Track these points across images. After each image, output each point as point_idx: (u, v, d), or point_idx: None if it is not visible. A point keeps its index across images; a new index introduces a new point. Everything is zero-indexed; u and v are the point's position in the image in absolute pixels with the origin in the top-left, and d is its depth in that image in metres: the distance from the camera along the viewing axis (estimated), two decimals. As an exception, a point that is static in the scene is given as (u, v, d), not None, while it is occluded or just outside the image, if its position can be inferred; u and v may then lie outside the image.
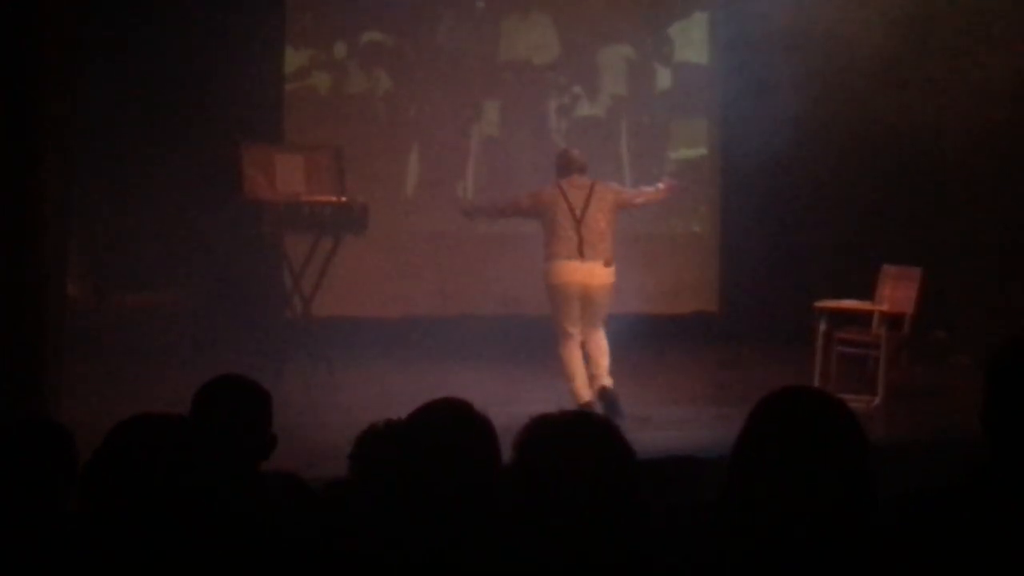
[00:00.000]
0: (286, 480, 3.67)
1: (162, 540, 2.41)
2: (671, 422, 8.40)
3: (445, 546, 2.73)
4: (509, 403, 7.44)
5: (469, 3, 11.71)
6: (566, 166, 8.68)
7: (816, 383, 8.85)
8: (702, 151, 12.27)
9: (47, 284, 6.65)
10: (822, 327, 9.32)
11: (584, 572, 2.50)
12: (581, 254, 8.48)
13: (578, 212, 8.51)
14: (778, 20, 10.75)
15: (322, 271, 10.09)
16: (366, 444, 3.66)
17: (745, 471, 2.53)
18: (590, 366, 8.54)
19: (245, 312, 10.18)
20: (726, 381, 9.61)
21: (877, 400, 9.01)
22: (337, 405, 8.48)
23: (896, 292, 9.43)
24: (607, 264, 8.52)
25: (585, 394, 8.42)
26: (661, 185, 9.12)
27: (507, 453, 2.73)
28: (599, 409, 7.95)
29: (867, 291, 9.49)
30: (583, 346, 8.57)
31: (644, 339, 10.07)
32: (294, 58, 11.31)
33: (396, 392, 8.34)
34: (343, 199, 9.94)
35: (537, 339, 9.03)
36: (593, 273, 8.51)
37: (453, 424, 2.99)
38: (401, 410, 3.18)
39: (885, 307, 9.33)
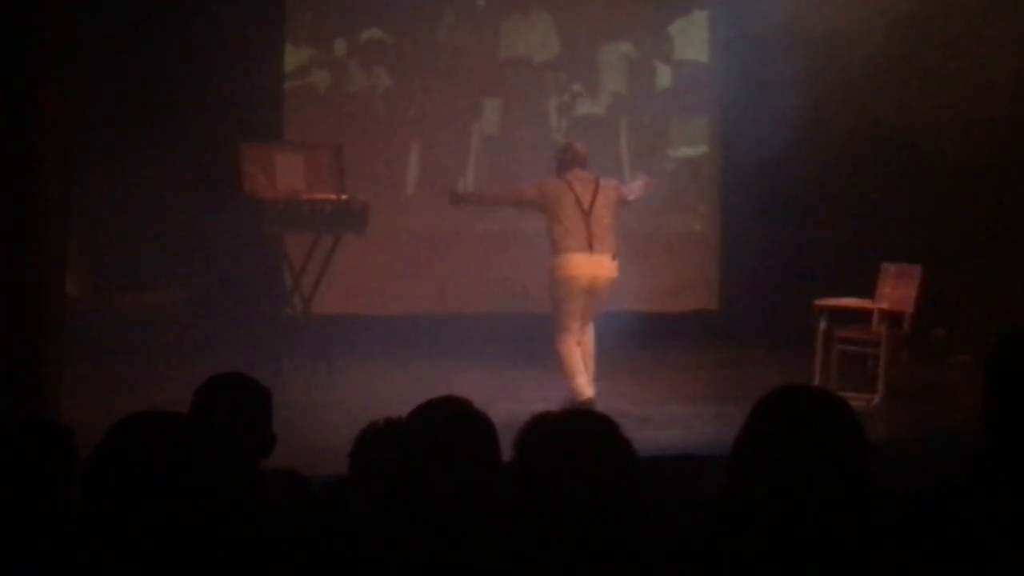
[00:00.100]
0: (286, 478, 3.68)
1: (162, 538, 2.41)
2: (671, 420, 8.40)
3: (445, 544, 2.73)
4: (509, 401, 7.49)
5: (469, 1, 11.70)
6: (571, 160, 8.67)
7: (816, 381, 8.86)
8: (702, 149, 12.26)
9: (47, 284, 6.65)
10: (822, 325, 9.32)
11: (584, 570, 2.50)
12: (591, 247, 8.48)
13: (586, 205, 8.51)
14: (779, 19, 10.74)
15: (322, 269, 10.10)
16: (366, 442, 3.67)
17: (745, 470, 2.53)
18: None
19: (245, 310, 10.18)
20: (726, 379, 9.62)
21: (877, 398, 9.02)
22: (337, 403, 8.49)
23: (896, 290, 9.43)
24: (613, 258, 8.55)
25: (586, 391, 8.42)
26: (639, 182, 9.12)
27: (507, 451, 2.74)
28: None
29: (867, 289, 9.48)
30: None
31: (644, 337, 10.08)
32: (294, 56, 11.30)
33: (396, 390, 8.36)
34: (343, 197, 9.94)
35: (537, 337, 9.03)
36: (603, 266, 8.52)
37: (453, 422, 2.99)
38: (401, 408, 3.19)
39: (885, 305, 9.32)
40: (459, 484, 2.86)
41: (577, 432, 2.62)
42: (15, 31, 6.46)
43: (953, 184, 11.17)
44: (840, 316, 9.41)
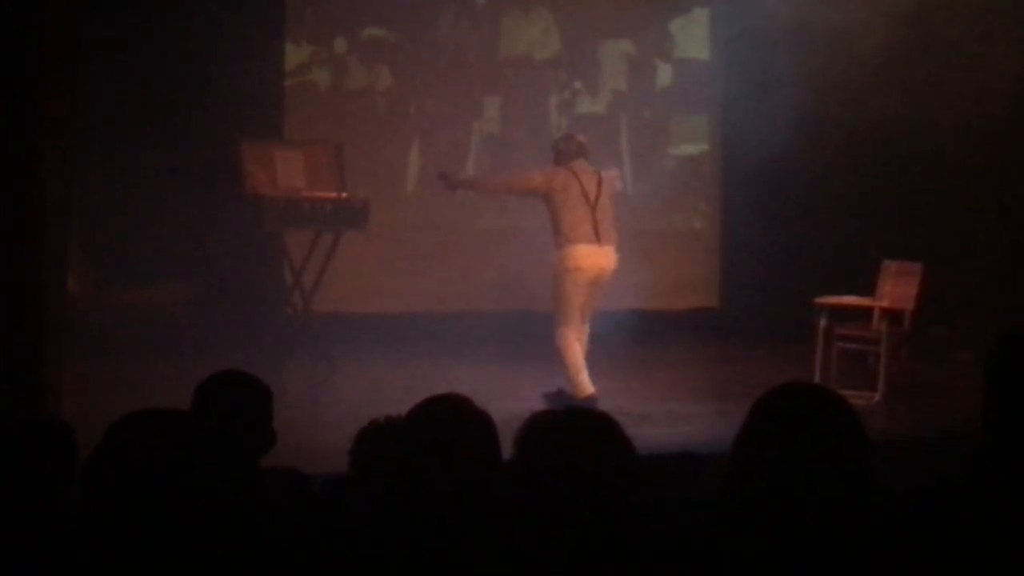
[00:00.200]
0: (286, 476, 3.68)
1: (162, 536, 2.41)
2: (671, 418, 8.40)
3: (445, 543, 2.73)
4: (509, 399, 7.49)
5: (470, -1, 11.72)
6: (575, 151, 8.64)
7: (816, 379, 8.84)
8: (703, 147, 12.26)
9: (47, 284, 6.64)
10: (822, 323, 9.32)
11: (584, 569, 2.50)
12: (598, 238, 8.48)
13: (591, 197, 8.50)
14: (779, 16, 10.74)
15: (323, 267, 10.10)
16: (366, 440, 3.67)
17: (745, 467, 2.54)
18: None
19: (246, 308, 10.18)
20: (726, 377, 9.62)
21: (877, 396, 9.01)
22: (337, 401, 8.49)
23: (896, 288, 9.42)
24: (617, 250, 8.56)
25: (589, 388, 8.41)
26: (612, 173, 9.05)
27: (507, 449, 2.74)
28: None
29: (867, 287, 9.48)
30: None
31: (644, 335, 10.08)
32: (294, 54, 11.29)
33: (396, 388, 8.35)
34: (344, 195, 9.94)
35: (538, 335, 9.03)
36: (609, 257, 8.53)
37: (453, 420, 2.99)
38: (401, 406, 3.19)
39: (885, 303, 9.32)
40: (459, 482, 2.86)
41: (577, 430, 2.63)
42: (15, 31, 6.45)
43: (953, 184, 11.18)
44: (840, 314, 9.40)
